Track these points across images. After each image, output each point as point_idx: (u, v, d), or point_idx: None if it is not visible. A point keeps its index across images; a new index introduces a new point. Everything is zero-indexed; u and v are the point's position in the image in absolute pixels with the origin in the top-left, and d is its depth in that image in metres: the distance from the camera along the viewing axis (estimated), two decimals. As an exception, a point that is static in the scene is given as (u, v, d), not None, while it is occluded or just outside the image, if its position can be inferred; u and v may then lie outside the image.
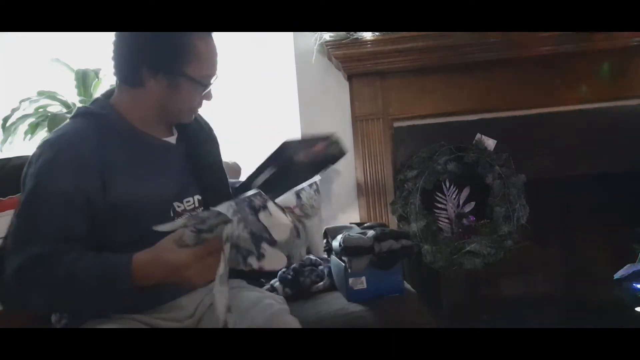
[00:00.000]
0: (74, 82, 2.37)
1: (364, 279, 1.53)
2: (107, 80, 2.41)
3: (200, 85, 1.20)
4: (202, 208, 1.25)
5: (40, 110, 2.33)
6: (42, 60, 2.41)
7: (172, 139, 1.28)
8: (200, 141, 1.32)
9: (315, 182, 1.08)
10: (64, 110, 2.32)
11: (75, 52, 2.42)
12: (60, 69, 2.40)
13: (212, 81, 1.22)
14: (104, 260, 1.04)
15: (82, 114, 1.23)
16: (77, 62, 2.41)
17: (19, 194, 1.70)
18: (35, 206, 1.10)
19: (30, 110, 2.32)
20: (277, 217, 0.94)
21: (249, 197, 0.94)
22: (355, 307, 1.48)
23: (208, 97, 1.25)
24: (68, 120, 1.24)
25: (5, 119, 2.27)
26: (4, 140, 2.29)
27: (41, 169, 1.12)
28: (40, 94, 2.34)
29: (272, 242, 0.93)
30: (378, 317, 1.43)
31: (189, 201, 1.24)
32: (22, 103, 2.30)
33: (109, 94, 1.27)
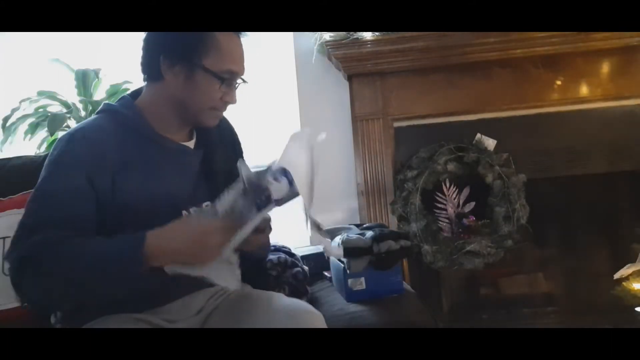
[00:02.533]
0: (74, 82, 2.37)
1: (363, 279, 1.53)
2: (107, 80, 2.41)
3: (218, 80, 1.17)
4: None
5: (40, 110, 2.33)
6: (42, 60, 2.41)
7: (190, 144, 1.27)
8: (217, 146, 1.29)
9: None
10: (64, 110, 2.32)
11: (75, 52, 2.43)
12: (60, 69, 2.40)
13: (235, 81, 1.20)
14: (114, 238, 1.05)
15: (105, 111, 1.24)
16: (77, 62, 2.41)
17: (20, 194, 1.72)
18: (46, 195, 1.10)
19: (30, 110, 2.32)
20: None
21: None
22: (355, 307, 1.48)
23: (230, 98, 1.21)
24: (94, 114, 1.25)
25: (5, 119, 2.27)
26: (4, 140, 2.30)
27: (56, 159, 1.13)
28: (40, 94, 2.34)
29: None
30: (378, 317, 1.43)
31: (207, 205, 1.23)
32: (22, 103, 2.30)
33: (136, 94, 1.26)
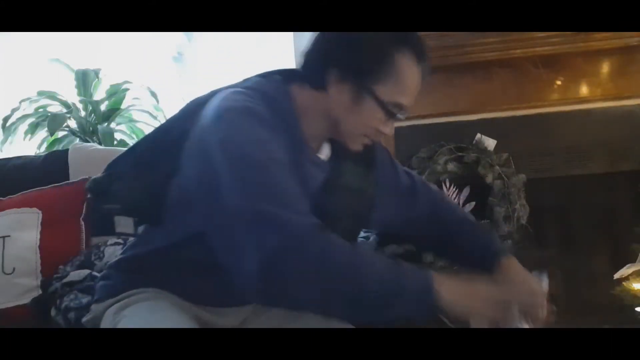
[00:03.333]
0: (74, 82, 2.37)
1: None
2: (107, 80, 2.42)
3: (385, 112, 1.04)
4: None
5: (40, 110, 2.34)
6: (42, 60, 2.42)
7: (323, 155, 1.14)
8: (350, 165, 1.15)
9: None
10: (64, 110, 2.32)
11: (75, 52, 2.43)
12: (60, 69, 2.41)
13: (398, 114, 1.07)
14: (390, 259, 0.98)
15: (257, 90, 1.07)
16: (77, 62, 2.41)
17: (20, 194, 1.71)
18: (260, 179, 0.93)
19: (30, 110, 2.33)
20: None
21: None
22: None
23: (386, 129, 1.08)
24: (240, 89, 1.07)
25: (5, 119, 2.27)
26: (4, 140, 2.30)
27: (242, 136, 0.97)
28: (40, 94, 2.35)
29: None
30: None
31: None
32: (22, 103, 2.31)
33: (287, 77, 1.12)
